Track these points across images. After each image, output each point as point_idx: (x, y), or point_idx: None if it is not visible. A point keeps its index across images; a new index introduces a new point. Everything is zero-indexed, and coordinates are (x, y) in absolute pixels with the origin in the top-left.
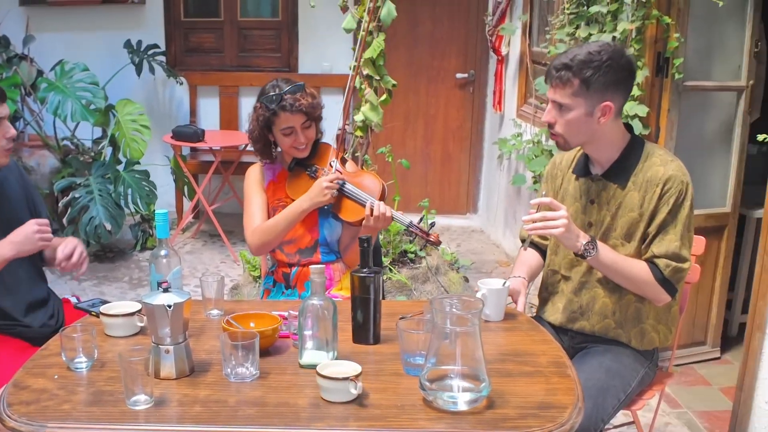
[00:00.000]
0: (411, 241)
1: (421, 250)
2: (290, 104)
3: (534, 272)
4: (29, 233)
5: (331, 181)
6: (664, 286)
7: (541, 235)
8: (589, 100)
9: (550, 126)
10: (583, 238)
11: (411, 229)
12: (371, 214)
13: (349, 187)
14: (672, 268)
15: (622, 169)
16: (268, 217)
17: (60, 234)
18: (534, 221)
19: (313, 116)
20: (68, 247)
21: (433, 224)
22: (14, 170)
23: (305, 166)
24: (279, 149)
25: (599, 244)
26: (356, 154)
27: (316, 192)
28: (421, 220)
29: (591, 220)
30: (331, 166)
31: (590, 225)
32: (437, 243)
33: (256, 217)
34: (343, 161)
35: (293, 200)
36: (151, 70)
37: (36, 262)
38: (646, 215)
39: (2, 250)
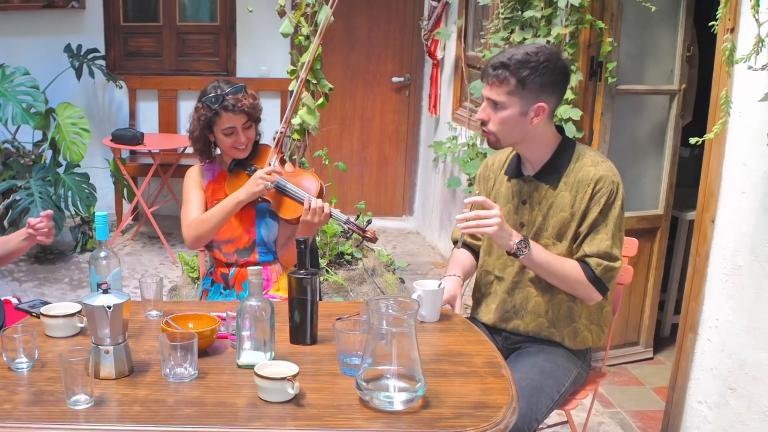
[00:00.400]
0: (348, 238)
1: (357, 245)
2: (232, 104)
3: (468, 272)
4: None
5: (268, 173)
6: (595, 285)
7: (474, 233)
8: (524, 99)
9: (483, 123)
10: (516, 237)
11: (348, 225)
12: (309, 209)
13: (287, 185)
14: (603, 267)
15: (554, 169)
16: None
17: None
18: (467, 219)
19: (254, 117)
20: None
21: (369, 221)
22: None
23: (245, 166)
24: (218, 151)
25: (532, 243)
26: (293, 157)
27: (251, 183)
28: (357, 217)
29: (523, 221)
30: (270, 166)
31: (522, 225)
32: (374, 239)
33: (192, 213)
34: (282, 162)
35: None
36: (91, 74)
37: None
38: (577, 215)
39: None
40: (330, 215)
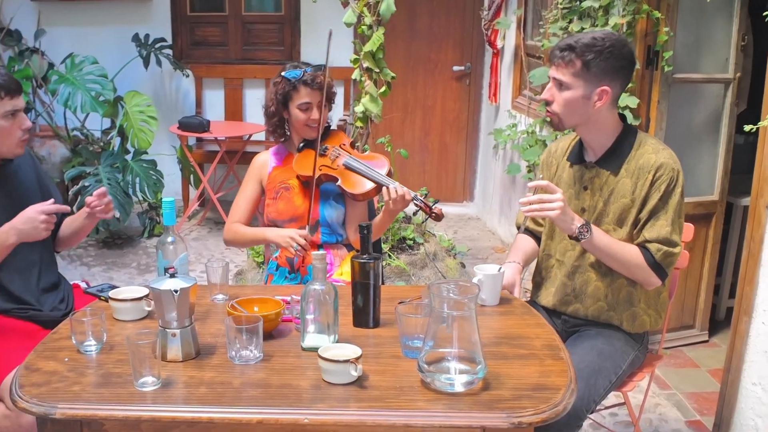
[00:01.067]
0: (414, 214)
1: (422, 222)
2: (311, 79)
3: (529, 258)
4: (35, 222)
5: (302, 237)
6: (655, 270)
7: (537, 216)
8: (588, 82)
9: (547, 104)
10: (578, 221)
11: (415, 202)
12: (390, 198)
13: (358, 164)
14: (663, 252)
15: (615, 156)
16: (253, 213)
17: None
18: (531, 203)
19: (329, 96)
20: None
21: (436, 201)
22: (28, 159)
23: (314, 146)
24: (289, 133)
25: (593, 227)
26: (356, 144)
27: (283, 236)
28: (425, 195)
29: (584, 206)
30: (344, 146)
31: (583, 210)
32: (440, 217)
33: (238, 211)
34: (352, 145)
35: (298, 176)
36: (158, 63)
37: (48, 246)
38: (637, 201)
39: (7, 236)
40: (411, 201)
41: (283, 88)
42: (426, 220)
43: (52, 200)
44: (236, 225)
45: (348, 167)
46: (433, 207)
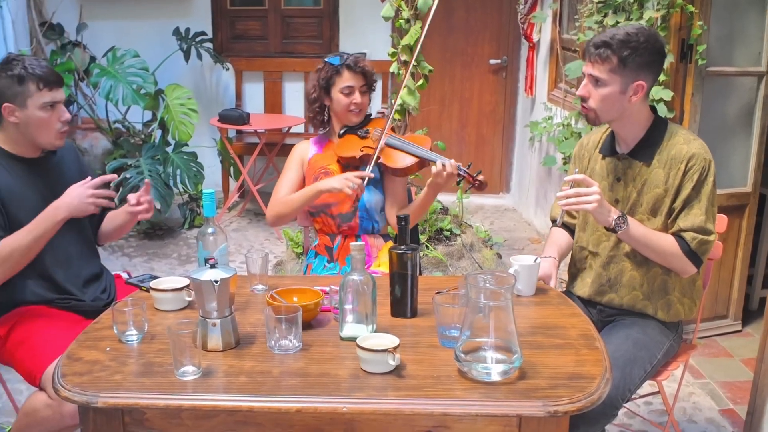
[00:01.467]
0: (458, 183)
1: (466, 191)
2: (354, 62)
3: (564, 251)
4: (82, 195)
5: (358, 176)
6: (690, 258)
7: (574, 210)
8: (624, 78)
9: (584, 100)
10: (614, 213)
11: (460, 172)
12: (443, 169)
13: (400, 142)
14: (698, 240)
15: (647, 147)
16: (295, 191)
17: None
18: (568, 197)
19: (370, 82)
20: (134, 198)
21: (479, 172)
22: (70, 151)
23: (355, 130)
24: (328, 120)
25: (629, 218)
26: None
27: (337, 178)
28: (469, 165)
29: (618, 197)
30: (384, 117)
31: (617, 202)
32: (483, 185)
33: (281, 190)
34: (394, 129)
35: (340, 159)
36: (199, 56)
37: (89, 238)
38: (671, 191)
39: (56, 212)
40: (456, 174)
41: (327, 73)
42: (469, 188)
43: (94, 179)
44: (281, 199)
45: (390, 145)
46: (477, 176)
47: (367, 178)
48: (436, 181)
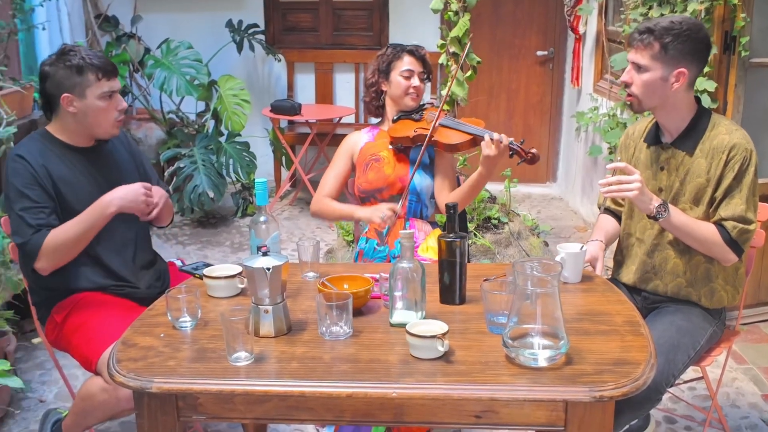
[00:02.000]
0: (510, 156)
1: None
2: (415, 48)
3: (611, 237)
4: (137, 194)
5: (391, 209)
6: (731, 247)
7: (616, 197)
8: (666, 64)
9: (627, 86)
10: (656, 201)
11: (512, 146)
12: (489, 141)
13: (453, 122)
14: (739, 229)
15: (690, 137)
16: (341, 190)
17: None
18: (610, 184)
19: (428, 70)
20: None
21: (532, 150)
22: (123, 140)
23: (409, 115)
24: (384, 106)
25: (671, 206)
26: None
27: (373, 210)
28: (522, 141)
29: (661, 186)
30: (434, 106)
31: (660, 190)
32: (536, 158)
33: (327, 185)
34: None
35: (393, 140)
36: (251, 48)
37: (143, 225)
38: (712, 181)
39: (107, 205)
40: (508, 147)
41: (389, 56)
42: (520, 163)
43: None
44: (325, 199)
45: (443, 125)
46: (529, 150)
47: (403, 200)
48: (489, 154)
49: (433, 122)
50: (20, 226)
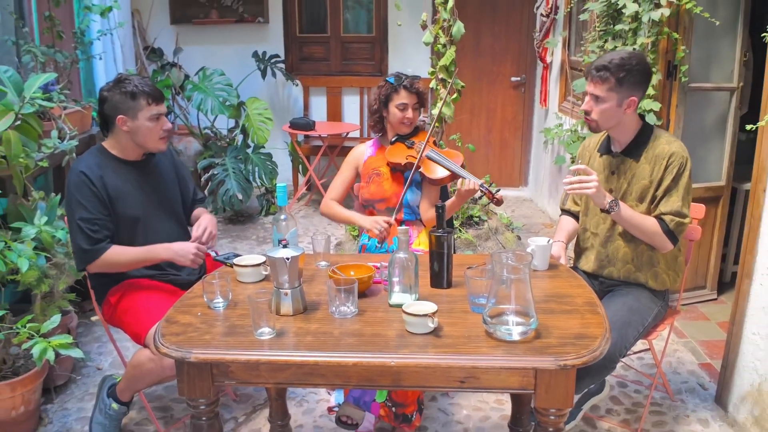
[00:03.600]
0: (480, 198)
1: (485, 206)
2: (410, 84)
3: (571, 235)
4: (187, 252)
5: (386, 221)
6: (669, 237)
7: (578, 194)
8: (620, 95)
9: (587, 113)
10: (609, 198)
11: (482, 189)
12: (463, 186)
13: (438, 156)
14: (675, 222)
15: (636, 147)
16: (346, 193)
17: (204, 204)
18: (572, 183)
19: (421, 100)
20: (199, 229)
21: (498, 190)
22: (167, 154)
23: (404, 140)
24: (385, 128)
25: (620, 203)
26: (437, 142)
27: (371, 221)
28: (490, 184)
29: (612, 187)
30: (426, 129)
31: (611, 191)
32: (500, 202)
33: (334, 190)
34: (435, 144)
35: (389, 163)
36: (273, 74)
37: (184, 225)
38: (654, 182)
39: (162, 251)
40: (478, 189)
41: (387, 90)
42: (489, 203)
43: (205, 247)
44: (332, 202)
45: (429, 158)
46: (495, 194)
47: (393, 216)
48: (461, 192)
49: (420, 154)
50: (78, 235)
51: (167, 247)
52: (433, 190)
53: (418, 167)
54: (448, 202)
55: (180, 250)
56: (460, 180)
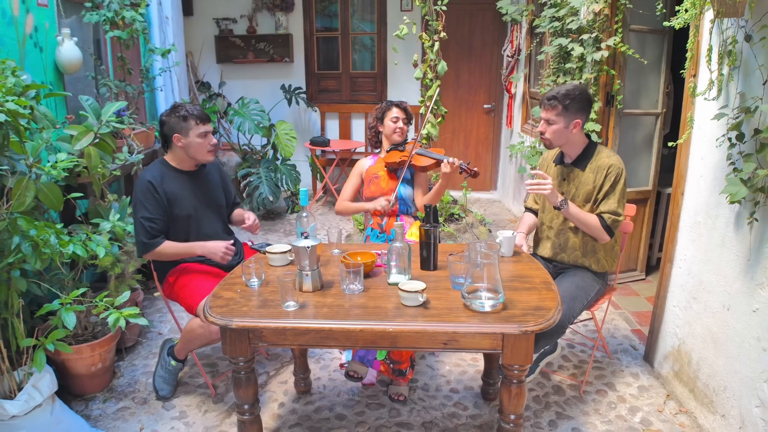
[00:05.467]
0: (460, 173)
1: (464, 193)
2: (398, 103)
3: (531, 228)
4: (218, 250)
5: (387, 199)
6: (606, 231)
7: (536, 193)
8: (567, 118)
9: (542, 134)
10: (560, 197)
11: (461, 166)
12: (446, 163)
13: (424, 151)
14: (612, 219)
15: (583, 160)
16: (354, 196)
17: (242, 205)
18: (532, 184)
19: (408, 116)
20: (250, 219)
21: (474, 167)
22: (215, 165)
23: (397, 147)
24: (381, 140)
25: (569, 202)
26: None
27: (377, 202)
28: (468, 163)
29: (563, 191)
30: (415, 140)
31: (563, 194)
32: (477, 174)
33: (345, 193)
34: (421, 146)
35: (387, 164)
36: (297, 103)
37: (225, 221)
38: (596, 188)
39: (198, 248)
40: (458, 167)
41: (383, 109)
42: (467, 177)
43: (231, 242)
44: (345, 201)
45: (418, 153)
46: (472, 168)
47: (395, 194)
48: (445, 172)
49: (411, 151)
50: (140, 230)
51: (203, 245)
52: (423, 181)
53: (410, 160)
54: (434, 188)
55: (212, 248)
56: (443, 164)
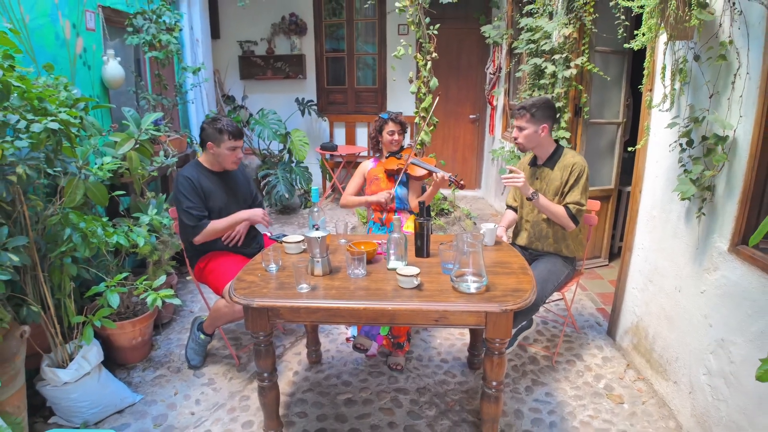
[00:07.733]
0: (449, 185)
1: (453, 191)
2: (394, 117)
3: (510, 222)
4: (259, 213)
5: (389, 194)
6: (572, 219)
7: (511, 186)
8: (535, 124)
9: (515, 139)
10: (531, 190)
11: (450, 179)
12: (436, 178)
13: (418, 162)
14: (576, 209)
15: (552, 160)
16: (358, 192)
17: (261, 204)
18: (508, 178)
19: (403, 128)
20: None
21: (461, 180)
22: (240, 167)
23: (395, 155)
24: (381, 148)
25: (539, 194)
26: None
27: (380, 195)
28: (456, 176)
29: (536, 187)
30: (411, 147)
31: (536, 190)
32: (464, 186)
33: (350, 190)
34: (416, 154)
35: (385, 170)
36: (309, 113)
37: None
38: (563, 183)
39: (243, 214)
40: (447, 181)
41: (380, 122)
42: (455, 189)
43: (266, 212)
44: (349, 196)
45: (413, 163)
46: (460, 181)
47: (394, 190)
48: (437, 182)
49: (407, 161)
50: (188, 217)
51: (245, 211)
52: (416, 185)
53: (406, 169)
54: (426, 192)
55: (254, 211)
56: (434, 174)
